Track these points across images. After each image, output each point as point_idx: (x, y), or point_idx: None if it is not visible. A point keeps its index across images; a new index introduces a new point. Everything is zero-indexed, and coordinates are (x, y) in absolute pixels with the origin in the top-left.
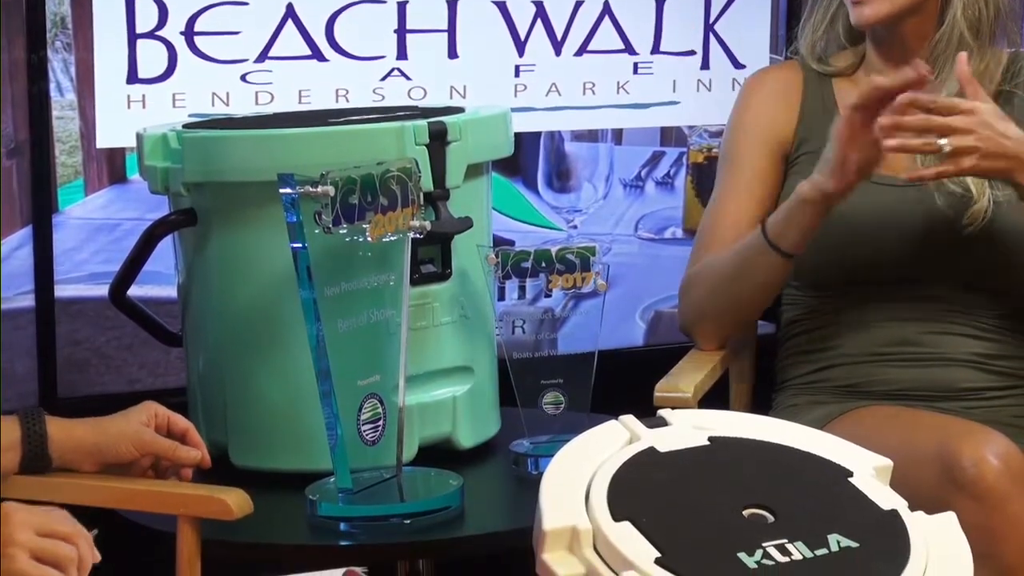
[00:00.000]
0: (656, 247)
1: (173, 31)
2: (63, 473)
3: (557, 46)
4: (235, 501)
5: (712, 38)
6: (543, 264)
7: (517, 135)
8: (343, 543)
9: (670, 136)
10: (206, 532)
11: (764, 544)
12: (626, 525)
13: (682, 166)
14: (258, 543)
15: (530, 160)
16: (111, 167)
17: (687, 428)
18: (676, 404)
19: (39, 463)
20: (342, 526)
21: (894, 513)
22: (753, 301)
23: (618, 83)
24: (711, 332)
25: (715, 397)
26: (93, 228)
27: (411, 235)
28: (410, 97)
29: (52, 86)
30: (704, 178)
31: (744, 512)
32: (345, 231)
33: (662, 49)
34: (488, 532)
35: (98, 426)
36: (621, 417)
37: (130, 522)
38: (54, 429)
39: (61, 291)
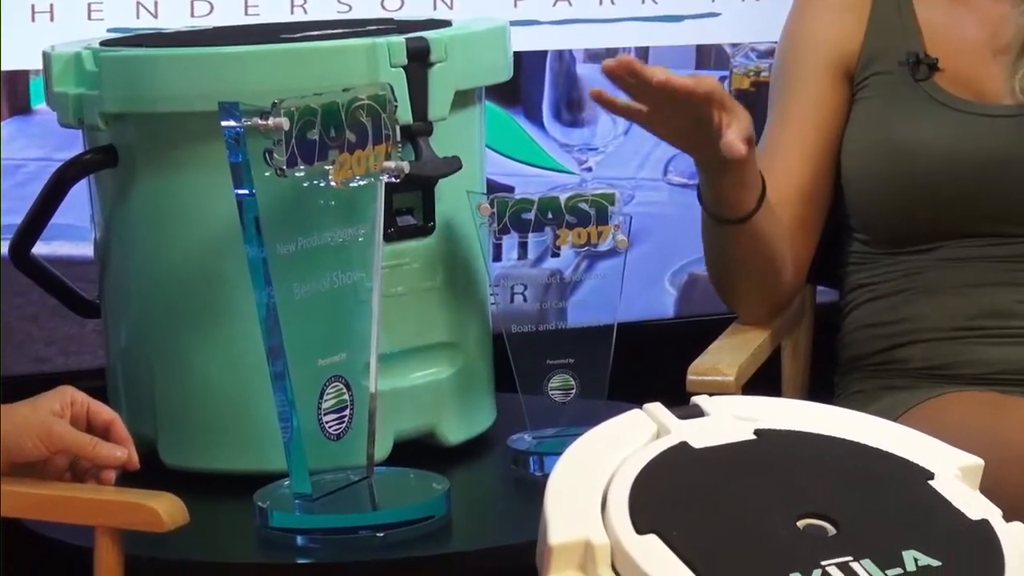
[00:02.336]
0: (690, 194)
1: None
2: None
3: None
4: (166, 509)
5: None
6: (549, 215)
7: (517, 55)
8: (301, 561)
9: (708, 56)
10: (131, 547)
11: (823, 563)
12: (652, 539)
13: None
14: (195, 561)
15: (533, 87)
16: (11, 95)
17: (728, 419)
18: (715, 389)
19: None
20: (299, 540)
21: (984, 524)
22: (752, 276)
23: None
24: (744, 304)
25: (763, 381)
26: None
27: (385, 179)
28: (384, 8)
29: None
30: (751, 108)
31: (799, 523)
32: (303, 174)
33: None
34: (480, 548)
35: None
36: (646, 406)
37: (38, 536)
38: None
39: None
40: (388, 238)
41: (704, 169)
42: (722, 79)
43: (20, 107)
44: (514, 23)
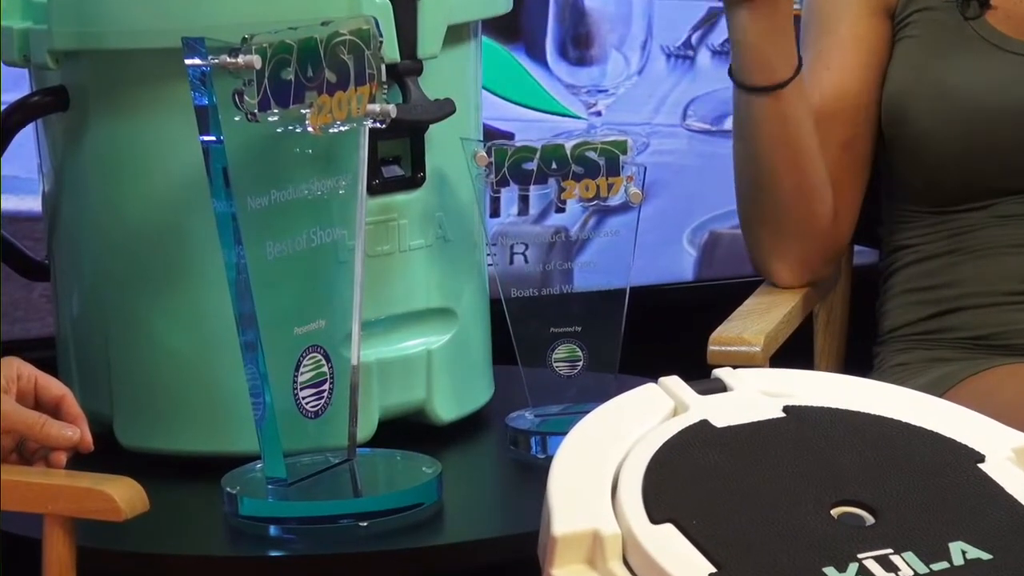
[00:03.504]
0: (712, 142)
1: None
2: None
3: None
4: (123, 495)
5: None
6: (554, 165)
7: None
8: (274, 554)
9: None
10: (84, 538)
11: (860, 555)
12: (668, 528)
13: None
14: (156, 554)
15: (536, 20)
16: None
17: (754, 394)
18: (739, 361)
19: None
20: (272, 530)
21: None
22: (786, 197)
23: None
24: (776, 250)
25: (793, 352)
26: None
27: (368, 124)
28: None
29: None
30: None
31: (833, 511)
32: (277, 118)
33: None
34: (476, 539)
35: None
36: (662, 379)
37: None
38: None
39: None
40: (372, 191)
41: (733, 12)
42: None
43: None
44: None
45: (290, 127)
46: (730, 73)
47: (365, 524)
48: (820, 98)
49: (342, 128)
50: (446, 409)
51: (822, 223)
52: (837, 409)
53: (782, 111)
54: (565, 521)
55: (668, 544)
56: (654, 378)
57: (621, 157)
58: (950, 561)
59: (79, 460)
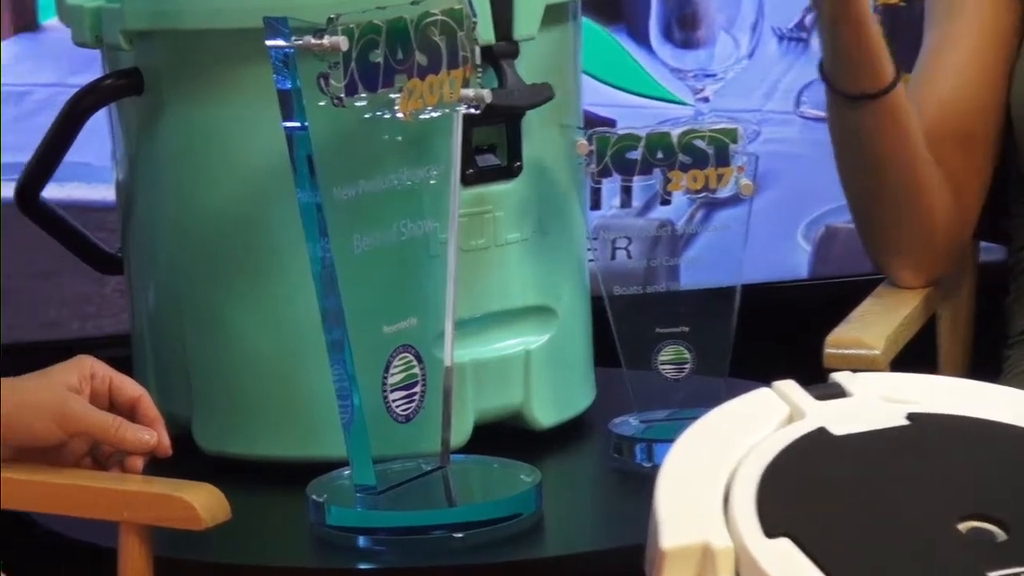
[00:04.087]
0: (827, 130)
1: None
2: None
3: None
4: (203, 503)
5: None
6: (659, 155)
7: None
8: (363, 566)
9: None
10: (162, 547)
11: (990, 574)
12: (784, 543)
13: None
14: (237, 565)
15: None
16: (15, 8)
17: (874, 401)
18: (859, 365)
19: None
20: (361, 541)
21: None
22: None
23: None
24: (892, 247)
25: (917, 356)
26: None
27: (462, 110)
28: None
29: None
30: (902, 26)
31: (960, 526)
32: (364, 103)
33: None
34: (577, 552)
35: (4, 391)
36: (776, 383)
37: (53, 533)
38: None
39: None
40: (466, 181)
41: (828, 19)
42: None
43: (26, 23)
44: None
45: (378, 113)
46: (830, 86)
47: (460, 535)
48: (942, 86)
49: (433, 114)
50: (545, 414)
51: (940, 218)
52: (964, 417)
53: (892, 114)
54: (674, 534)
55: (784, 559)
56: (767, 382)
57: (731, 146)
58: None
59: (156, 465)
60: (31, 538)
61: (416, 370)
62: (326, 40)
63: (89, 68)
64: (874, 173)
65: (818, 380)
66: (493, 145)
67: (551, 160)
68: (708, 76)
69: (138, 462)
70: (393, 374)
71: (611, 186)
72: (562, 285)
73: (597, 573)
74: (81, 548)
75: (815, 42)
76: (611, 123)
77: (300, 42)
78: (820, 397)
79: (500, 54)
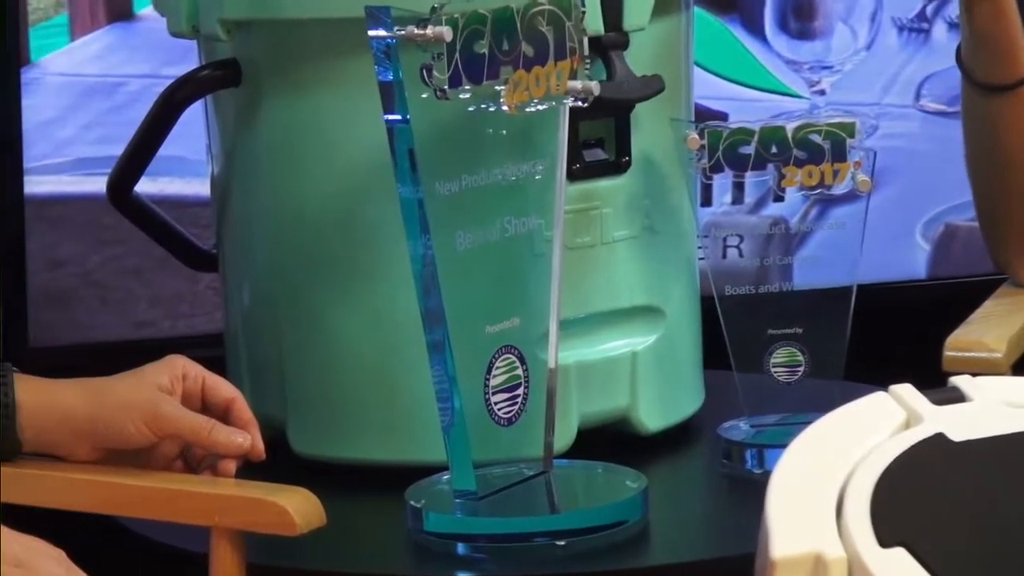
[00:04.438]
0: (949, 124)
1: None
2: (40, 461)
3: None
4: (298, 508)
5: None
6: (773, 150)
7: None
8: (462, 574)
9: None
10: (254, 554)
11: None
12: (900, 553)
13: None
14: (333, 572)
15: None
16: None
17: (996, 405)
18: (979, 369)
19: (2, 445)
20: (460, 548)
21: None
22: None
23: None
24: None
25: None
26: (83, 90)
27: (569, 103)
28: None
29: None
30: None
31: None
32: (468, 95)
33: None
34: (684, 561)
35: (95, 392)
36: (893, 387)
37: (141, 537)
38: (26, 395)
39: (34, 186)
40: (572, 176)
41: (964, 1)
42: None
43: (121, 11)
44: None
45: (483, 105)
46: (965, 75)
47: (563, 543)
48: None
49: (540, 107)
50: (652, 417)
51: None
52: None
53: (1001, 105)
54: (785, 543)
55: (899, 570)
56: (883, 386)
57: (848, 141)
58: None
59: (250, 468)
60: (120, 543)
61: (519, 372)
62: (429, 30)
63: (184, 59)
64: (1003, 168)
65: (937, 384)
66: (601, 139)
67: (661, 155)
68: (825, 68)
69: (231, 466)
70: (495, 376)
71: (723, 182)
72: (671, 284)
73: None
74: (171, 554)
75: (937, 33)
76: (723, 117)
77: (402, 32)
78: (938, 402)
79: (609, 45)
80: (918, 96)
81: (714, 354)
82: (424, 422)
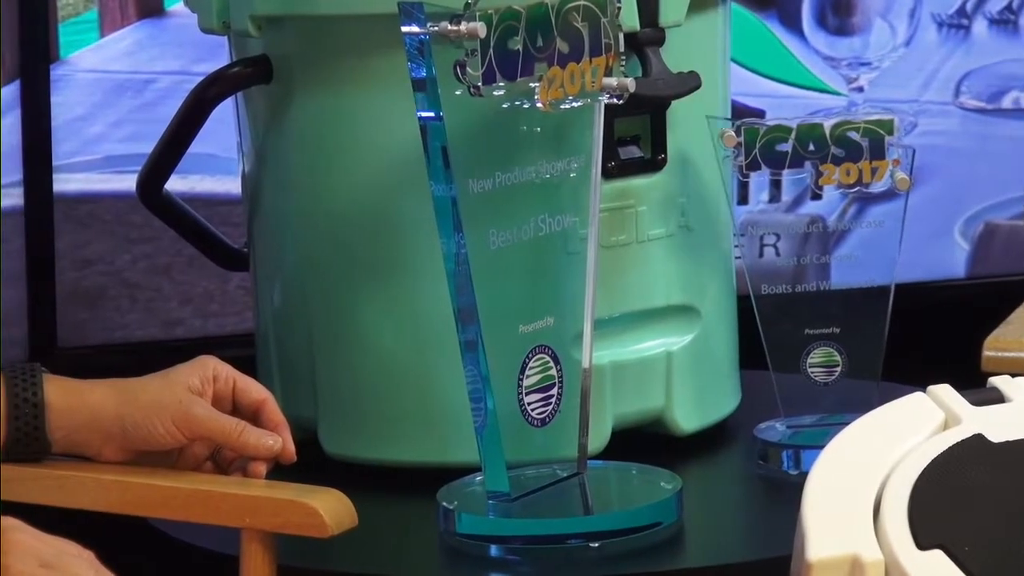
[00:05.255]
0: (988, 122)
1: None
2: (69, 462)
3: None
4: (330, 509)
5: None
6: (810, 147)
7: None
8: None
9: None
10: (286, 555)
11: None
12: (938, 555)
13: None
14: (365, 574)
15: None
16: None
17: None
18: (1019, 369)
19: (32, 446)
20: (493, 550)
21: None
22: None
23: None
24: None
25: None
26: (112, 87)
27: (604, 100)
28: None
29: None
30: None
31: None
32: (502, 92)
33: None
34: (720, 564)
35: (125, 392)
36: (931, 388)
37: (171, 539)
38: (56, 395)
39: (63, 183)
40: (607, 174)
41: None
42: None
43: (151, 8)
44: None
45: (517, 102)
46: None
47: (596, 545)
48: None
49: (575, 104)
50: (687, 418)
51: None
52: None
53: None
54: (822, 545)
55: (937, 573)
56: (922, 386)
57: (886, 138)
58: None
59: (280, 470)
60: (150, 545)
61: (553, 372)
62: (463, 26)
63: (215, 55)
64: None
65: (975, 384)
66: (636, 136)
67: (697, 152)
68: (863, 65)
69: (261, 468)
70: (529, 376)
71: (760, 180)
72: (707, 283)
73: None
74: (202, 555)
75: (977, 29)
76: (760, 114)
77: (436, 28)
78: (977, 402)
79: (645, 41)
80: (957, 93)
81: (750, 354)
82: (457, 423)
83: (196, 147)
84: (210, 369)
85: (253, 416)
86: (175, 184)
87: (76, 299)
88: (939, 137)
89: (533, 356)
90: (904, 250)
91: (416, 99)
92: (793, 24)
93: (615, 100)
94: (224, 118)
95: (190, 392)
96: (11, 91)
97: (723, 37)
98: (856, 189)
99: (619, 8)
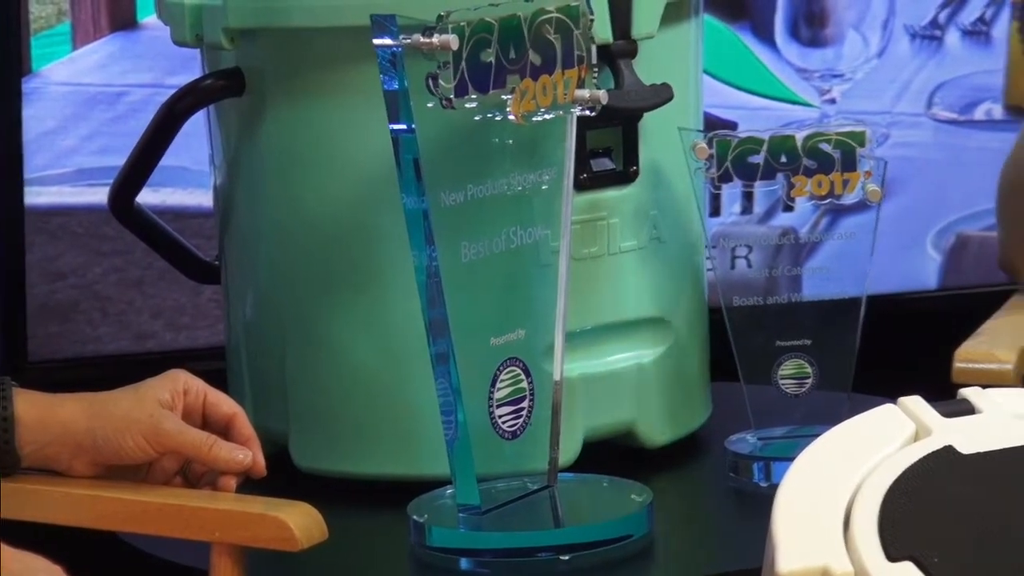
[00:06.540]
0: (961, 133)
1: None
2: (39, 476)
3: None
4: (299, 523)
5: None
6: (782, 159)
7: None
8: None
9: None
10: (256, 569)
11: None
12: (908, 567)
13: (1005, 5)
14: None
15: None
16: (112, 5)
17: (1006, 418)
18: (989, 381)
19: (1, 460)
20: (464, 563)
21: None
22: None
23: None
24: None
25: None
26: (85, 99)
27: (577, 112)
28: None
29: None
30: None
31: None
32: (475, 105)
33: None
34: None
35: (95, 406)
36: (901, 400)
37: (141, 553)
38: (26, 409)
39: (35, 196)
40: (580, 186)
41: None
42: None
43: (124, 20)
44: None
45: (489, 115)
46: None
47: (567, 558)
48: None
49: (547, 116)
50: (658, 431)
51: None
52: None
53: None
54: (792, 557)
55: None
56: (892, 398)
57: (858, 150)
58: None
59: (251, 484)
60: (121, 559)
61: (524, 384)
62: (435, 39)
63: (188, 68)
64: None
65: (946, 396)
66: (609, 148)
67: (669, 164)
68: (835, 76)
69: (231, 482)
70: (500, 388)
71: (732, 192)
72: (679, 296)
73: None
74: (172, 569)
75: (949, 41)
76: (733, 126)
77: (408, 41)
78: (948, 414)
79: (618, 53)
80: (930, 104)
81: (722, 366)
82: (428, 436)
83: (168, 160)
84: (181, 383)
85: (223, 430)
86: (147, 197)
87: (47, 312)
88: (911, 149)
89: (504, 369)
90: (876, 262)
91: (388, 111)
92: (766, 36)
93: (587, 112)
94: (196, 131)
95: (160, 406)
96: None
97: (695, 49)
98: (828, 201)
99: (591, 20)
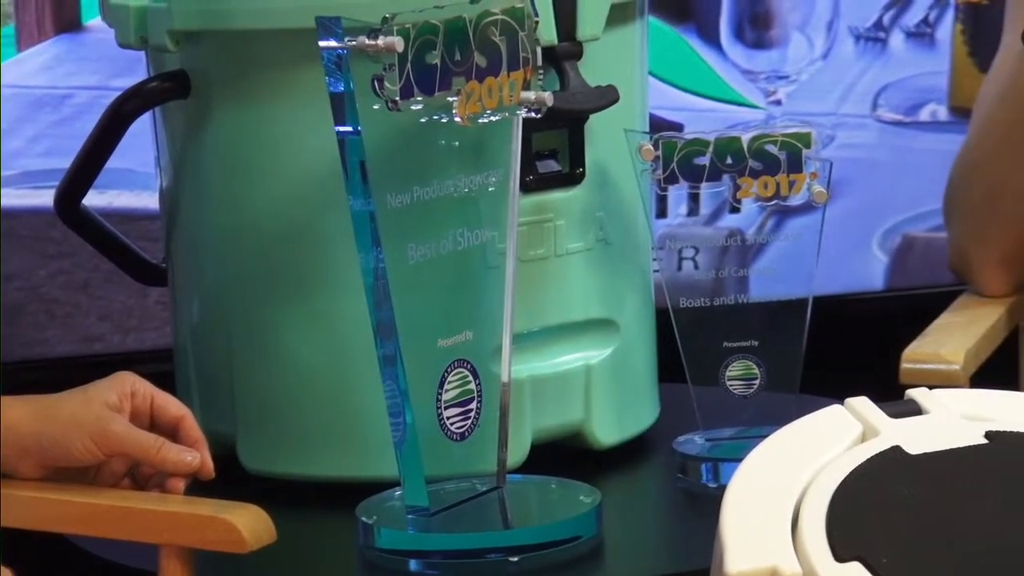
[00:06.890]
0: (906, 135)
1: None
2: None
3: None
4: (248, 525)
5: None
6: (728, 160)
7: None
8: None
9: None
10: (204, 571)
11: None
12: (856, 568)
13: (948, 6)
14: None
15: None
16: (56, 7)
17: (953, 418)
18: (936, 381)
19: None
20: (413, 565)
21: None
22: None
23: None
24: (998, 263)
25: (997, 370)
26: (30, 102)
27: (522, 114)
28: None
29: None
30: (983, 26)
31: None
32: (420, 107)
33: None
34: None
35: (42, 408)
36: (849, 400)
37: (89, 555)
38: None
39: None
40: (526, 188)
41: None
42: None
43: (69, 23)
44: None
45: (435, 116)
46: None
47: (516, 559)
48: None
49: (493, 118)
50: (606, 432)
51: None
52: None
53: None
54: (740, 558)
55: None
56: (840, 399)
57: (804, 151)
58: None
59: (199, 486)
60: (69, 562)
61: (472, 386)
62: (381, 41)
63: (133, 70)
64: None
65: (894, 397)
66: (554, 150)
67: (615, 166)
68: (781, 78)
69: (179, 484)
70: (448, 390)
71: (678, 193)
72: (625, 297)
73: None
74: (120, 572)
75: (894, 42)
76: (678, 127)
77: (354, 43)
78: (895, 414)
79: (563, 55)
80: (875, 106)
81: (669, 367)
82: (376, 437)
83: (114, 162)
84: (128, 385)
85: (171, 432)
86: (93, 199)
87: None
88: (857, 150)
89: (452, 370)
90: (822, 263)
91: (334, 114)
92: (711, 38)
93: (533, 114)
94: (142, 133)
95: (108, 408)
96: None
97: (641, 51)
98: (774, 202)
99: (536, 22)
